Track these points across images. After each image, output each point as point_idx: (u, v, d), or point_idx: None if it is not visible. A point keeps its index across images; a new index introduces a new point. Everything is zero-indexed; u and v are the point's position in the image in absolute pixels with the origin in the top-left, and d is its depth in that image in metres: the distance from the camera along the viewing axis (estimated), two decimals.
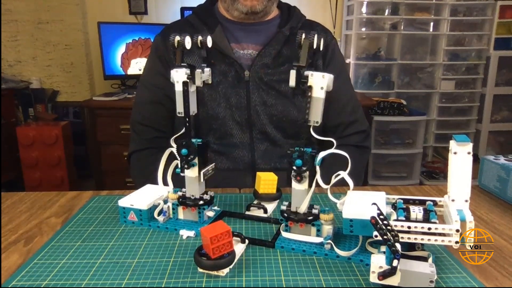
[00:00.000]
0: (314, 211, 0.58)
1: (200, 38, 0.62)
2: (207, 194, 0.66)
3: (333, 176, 0.56)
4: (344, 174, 0.55)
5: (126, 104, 2.20)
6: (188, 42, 0.61)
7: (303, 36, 0.55)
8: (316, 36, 0.55)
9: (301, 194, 0.57)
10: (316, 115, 0.54)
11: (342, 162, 0.59)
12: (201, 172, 0.64)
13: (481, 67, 2.77)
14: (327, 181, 0.56)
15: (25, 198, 0.78)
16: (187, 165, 0.63)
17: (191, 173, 0.64)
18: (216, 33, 0.97)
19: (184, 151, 0.61)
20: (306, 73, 0.54)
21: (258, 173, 0.73)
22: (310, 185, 0.57)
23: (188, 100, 0.61)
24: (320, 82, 0.53)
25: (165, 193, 0.68)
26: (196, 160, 0.63)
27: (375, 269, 0.46)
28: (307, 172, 0.56)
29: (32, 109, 2.61)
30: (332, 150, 0.55)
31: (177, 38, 0.61)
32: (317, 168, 0.55)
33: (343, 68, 1.07)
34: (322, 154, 0.55)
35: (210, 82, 0.64)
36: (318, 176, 0.56)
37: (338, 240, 0.59)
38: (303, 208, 0.58)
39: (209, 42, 0.63)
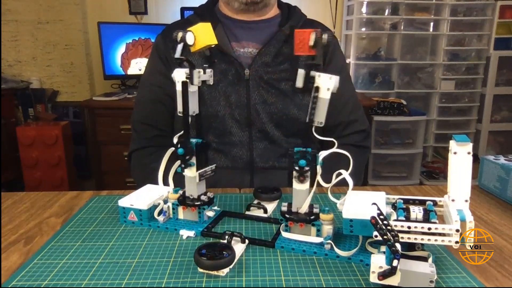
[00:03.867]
0: (315, 210, 0.58)
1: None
2: (206, 194, 0.66)
3: (334, 175, 0.56)
4: (345, 174, 0.55)
5: (126, 104, 2.20)
6: (190, 39, 0.62)
7: (319, 34, 0.54)
8: (324, 34, 0.54)
9: (302, 194, 0.57)
10: (321, 116, 0.54)
11: (343, 161, 0.59)
12: (197, 173, 0.64)
13: (481, 67, 2.77)
14: (327, 180, 0.56)
15: (25, 198, 0.78)
16: (185, 165, 0.63)
17: (189, 173, 0.64)
18: (216, 32, 0.97)
19: (180, 150, 0.61)
20: (313, 73, 0.53)
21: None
22: (311, 185, 0.57)
23: (187, 99, 0.61)
24: (327, 84, 0.53)
25: (165, 193, 0.68)
26: (194, 160, 0.63)
27: (375, 269, 0.46)
28: (309, 172, 0.56)
29: (32, 109, 2.61)
30: (334, 150, 0.55)
31: (180, 33, 0.61)
32: (318, 168, 0.55)
33: (344, 67, 1.07)
34: (323, 153, 0.55)
35: (211, 83, 0.64)
36: (318, 176, 0.55)
37: (338, 240, 0.59)
38: (304, 208, 0.58)
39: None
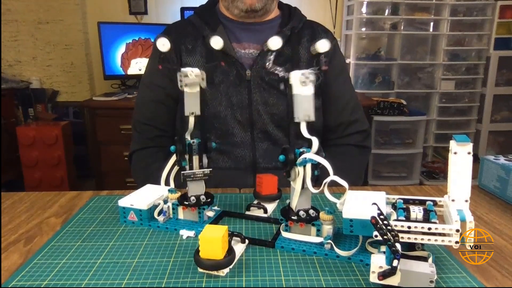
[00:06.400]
0: (314, 211, 0.58)
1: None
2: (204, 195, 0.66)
3: (323, 182, 0.55)
4: (336, 178, 0.54)
5: (126, 104, 2.20)
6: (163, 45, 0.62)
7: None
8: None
9: (294, 191, 0.57)
10: (302, 112, 0.53)
11: (347, 161, 0.58)
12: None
13: (481, 67, 2.77)
14: (323, 181, 0.55)
15: (25, 198, 0.78)
16: (178, 163, 0.62)
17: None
18: (217, 33, 0.97)
19: (172, 147, 0.62)
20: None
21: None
22: (315, 186, 0.57)
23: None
24: (295, 78, 0.53)
25: (165, 193, 0.68)
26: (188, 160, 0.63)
27: (375, 269, 0.46)
28: (297, 169, 0.55)
29: (32, 109, 2.61)
30: (318, 158, 0.54)
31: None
32: (307, 168, 0.55)
33: (344, 68, 1.07)
34: (307, 155, 0.55)
35: (204, 85, 0.64)
36: (308, 179, 0.55)
37: (338, 240, 0.59)
38: (293, 204, 0.58)
39: (216, 44, 0.63)
